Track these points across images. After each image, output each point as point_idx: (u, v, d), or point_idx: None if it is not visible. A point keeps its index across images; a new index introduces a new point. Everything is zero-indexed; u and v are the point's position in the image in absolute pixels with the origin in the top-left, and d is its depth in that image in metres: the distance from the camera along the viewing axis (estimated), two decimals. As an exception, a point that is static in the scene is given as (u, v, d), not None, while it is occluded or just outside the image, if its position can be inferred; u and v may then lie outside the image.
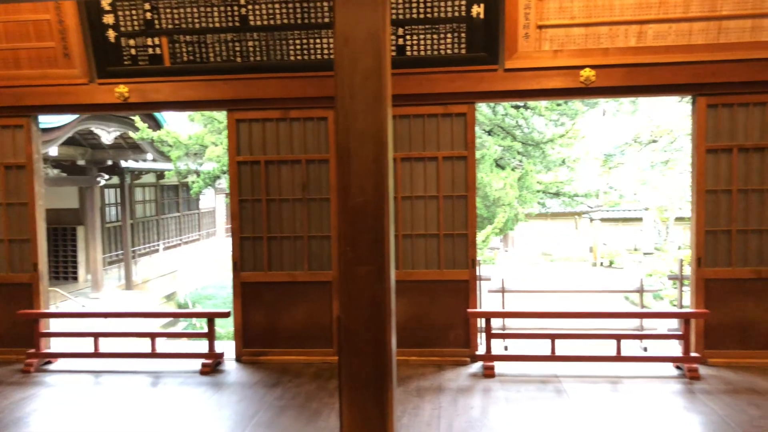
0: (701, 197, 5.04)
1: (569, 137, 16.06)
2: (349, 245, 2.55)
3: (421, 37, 4.94)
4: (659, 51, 4.82)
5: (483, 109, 15.12)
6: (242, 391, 4.67)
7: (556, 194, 17.35)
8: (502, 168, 15.13)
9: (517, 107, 15.05)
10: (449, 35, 4.91)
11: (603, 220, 22.97)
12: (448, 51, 4.95)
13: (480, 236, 12.93)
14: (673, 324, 6.18)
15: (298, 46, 5.00)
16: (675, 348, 5.21)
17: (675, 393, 4.46)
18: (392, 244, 2.63)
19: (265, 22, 4.98)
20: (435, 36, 4.93)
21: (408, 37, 4.96)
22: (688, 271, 5.41)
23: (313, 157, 5.25)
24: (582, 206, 21.25)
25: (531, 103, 14.88)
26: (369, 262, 2.56)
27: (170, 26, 5.06)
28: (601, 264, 21.08)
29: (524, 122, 15.41)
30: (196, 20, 5.02)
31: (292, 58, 5.04)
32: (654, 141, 16.22)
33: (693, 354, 4.88)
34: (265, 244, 5.32)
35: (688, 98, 5.06)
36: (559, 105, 15.05)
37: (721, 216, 5.04)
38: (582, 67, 4.90)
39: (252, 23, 5.00)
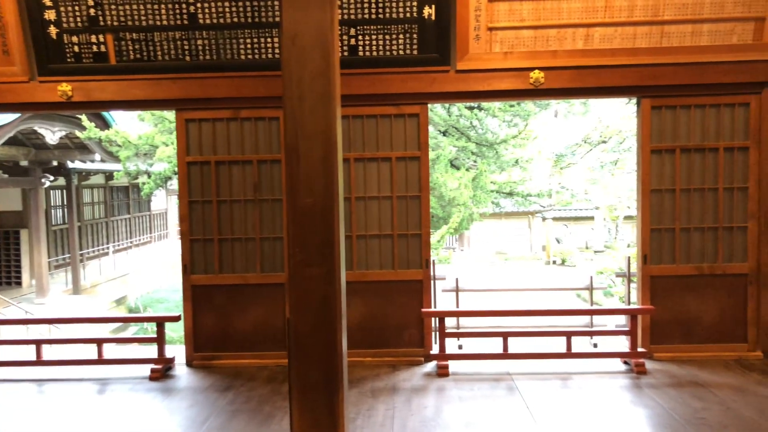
0: (646, 196, 5.18)
1: (522, 138, 16.33)
2: (298, 247, 2.53)
3: (374, 37, 4.93)
4: (605, 54, 4.93)
5: (438, 110, 15.23)
6: (193, 396, 4.57)
7: (510, 194, 17.62)
8: (457, 168, 15.28)
9: (471, 108, 15.22)
10: (401, 36, 4.92)
11: (555, 219, 23.45)
12: (401, 52, 4.96)
13: (435, 236, 13.02)
14: (622, 320, 6.35)
15: (249, 45, 4.93)
16: (623, 344, 5.34)
17: (623, 388, 4.57)
18: (342, 245, 2.61)
19: (215, 21, 4.89)
20: (387, 36, 4.93)
21: (360, 37, 4.95)
22: (635, 268, 5.55)
23: (264, 158, 5.18)
24: (535, 206, 21.66)
25: (484, 104, 15.07)
26: (318, 264, 2.54)
27: (115, 23, 4.92)
28: (554, 262, 21.50)
29: (478, 123, 15.60)
30: (142, 17, 4.89)
31: (242, 57, 4.97)
32: (603, 142, 16.65)
33: (640, 349, 5.02)
34: (216, 246, 5.22)
35: (634, 100, 5.19)
36: (511, 106, 15.28)
37: (665, 215, 5.20)
38: (531, 69, 4.98)
39: (201, 21, 4.90)
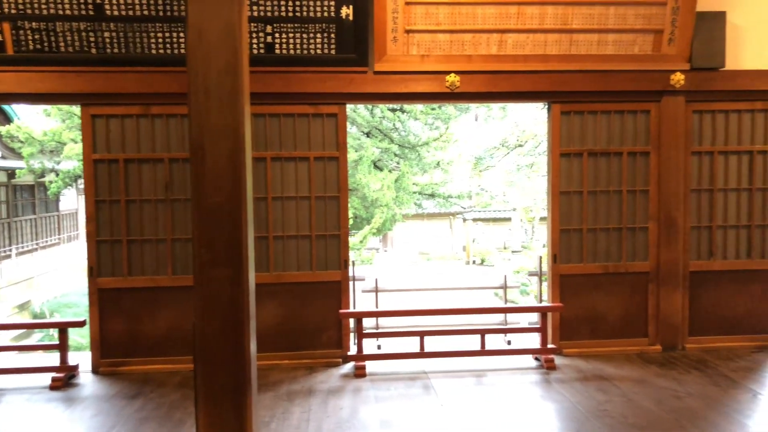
0: (556, 198, 5.38)
1: (443, 141, 16.63)
2: (204, 247, 2.45)
3: (291, 35, 4.87)
4: (518, 59, 5.09)
5: (361, 111, 15.28)
6: (98, 405, 4.35)
7: (432, 195, 17.90)
8: (380, 169, 15.38)
9: (393, 110, 15.35)
10: (319, 35, 4.88)
11: (475, 220, 24.01)
12: (318, 51, 4.92)
13: (357, 237, 13.06)
14: (535, 318, 6.56)
15: (160, 40, 4.76)
16: (535, 340, 5.52)
17: (533, 383, 4.72)
18: (251, 245, 2.56)
19: (123, 13, 4.69)
20: (305, 35, 4.88)
21: (277, 35, 4.88)
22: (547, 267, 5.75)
23: (176, 156, 5.01)
24: (456, 207, 22.08)
25: (407, 107, 15.24)
26: (226, 265, 2.47)
27: (13, 11, 4.62)
28: (474, 262, 22.01)
29: (401, 125, 15.75)
30: (43, 6, 4.62)
31: (153, 51, 4.78)
32: (520, 145, 17.21)
33: (550, 345, 5.20)
34: (125, 248, 5.00)
35: (545, 105, 5.37)
36: (433, 109, 15.53)
37: (574, 216, 5.42)
38: (448, 73, 5.06)
39: (108, 13, 4.68)
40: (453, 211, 22.95)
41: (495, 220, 24.25)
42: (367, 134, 15.26)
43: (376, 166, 15.21)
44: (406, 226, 21.31)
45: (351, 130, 15.04)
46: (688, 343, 5.48)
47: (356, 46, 4.94)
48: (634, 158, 5.40)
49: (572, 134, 5.36)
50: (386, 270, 18.66)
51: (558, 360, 5.19)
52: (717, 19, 5.14)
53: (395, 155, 15.75)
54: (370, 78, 5.04)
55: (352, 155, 13.69)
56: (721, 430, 3.80)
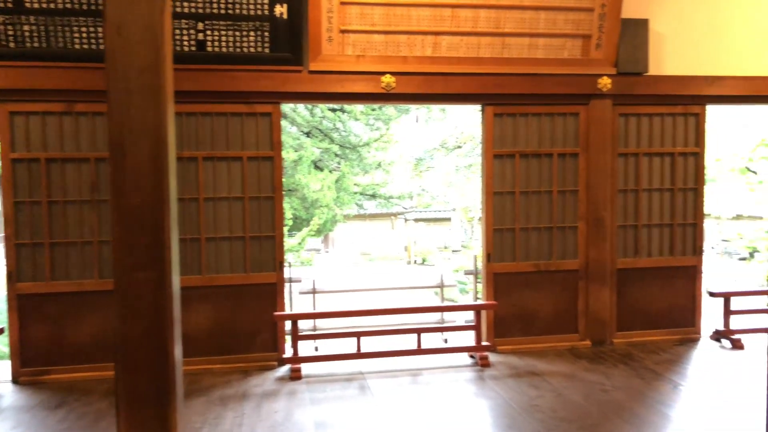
0: (489, 198, 5.48)
1: (384, 141, 16.70)
2: (125, 250, 2.37)
3: (223, 32, 4.78)
4: (453, 62, 5.15)
5: (301, 111, 15.16)
6: (17, 417, 4.15)
7: (373, 196, 17.95)
8: (321, 170, 15.31)
9: (334, 110, 15.31)
10: (252, 33, 4.81)
11: (416, 220, 24.22)
12: (252, 49, 4.84)
13: (296, 238, 12.94)
14: (471, 316, 6.66)
15: (84, 34, 4.57)
16: (471, 338, 5.60)
17: (468, 381, 4.79)
18: (176, 247, 2.49)
19: (44, 6, 4.49)
20: (237, 33, 4.79)
21: (209, 32, 4.77)
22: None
23: (104, 156, 4.82)
24: (397, 207, 22.22)
25: (347, 107, 15.23)
26: (148, 268, 2.39)
27: None
28: (415, 262, 22.20)
29: (342, 125, 15.73)
30: (-44, -4, 4.37)
31: (77, 46, 4.59)
32: (459, 147, 17.46)
33: (484, 343, 5.29)
34: (47, 251, 4.78)
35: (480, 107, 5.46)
36: (373, 110, 15.58)
37: (507, 216, 5.53)
38: (383, 73, 5.08)
39: (28, 6, 4.47)
40: (394, 211, 23.08)
41: (436, 220, 24.53)
42: (308, 134, 15.17)
43: (317, 166, 15.14)
44: (348, 226, 21.27)
45: (291, 129, 14.91)
46: (615, 337, 5.67)
47: (291, 45, 4.89)
48: (564, 160, 5.56)
49: (505, 136, 5.47)
50: (327, 271, 18.57)
51: (492, 357, 5.29)
52: (640, 26, 5.35)
53: (336, 155, 15.72)
54: (306, 77, 4.99)
55: (291, 155, 13.56)
56: (644, 421, 3.95)
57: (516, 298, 5.55)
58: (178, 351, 2.54)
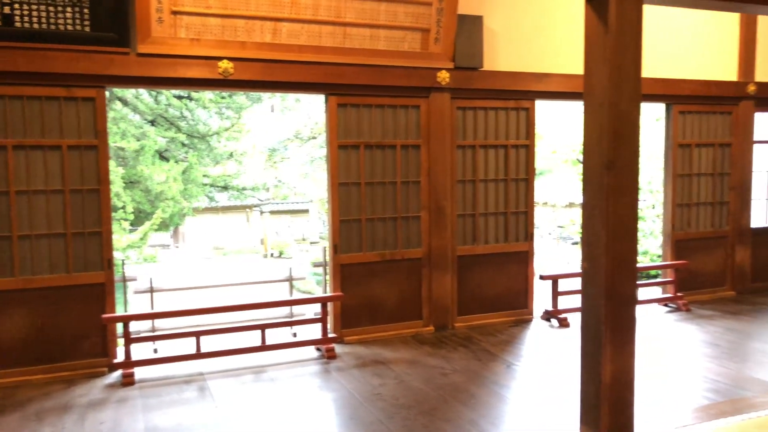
0: (335, 189, 5.45)
1: (236, 131, 16.18)
2: None
3: (34, 7, 4.28)
4: (293, 49, 5.03)
5: (144, 98, 14.24)
6: None
7: (225, 188, 17.37)
8: (166, 160, 14.50)
9: (180, 97, 14.57)
10: (69, 9, 4.36)
11: (273, 212, 23.80)
12: (69, 27, 4.39)
13: (138, 233, 12.15)
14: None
15: None
16: (319, 331, 5.55)
17: (313, 374, 4.73)
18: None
19: None
20: (51, 8, 4.32)
21: (17, 6, 4.26)
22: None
23: None
24: (252, 199, 21.70)
25: (195, 95, 14.57)
26: None
27: None
28: (272, 255, 21.83)
29: (189, 114, 15.00)
30: None
31: None
32: (314, 137, 17.39)
33: (331, 335, 5.26)
34: None
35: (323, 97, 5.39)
36: (223, 98, 15.04)
37: (353, 206, 5.53)
38: (220, 59, 4.84)
39: None
40: (249, 203, 22.50)
41: (293, 212, 24.27)
42: (152, 122, 14.29)
43: (162, 156, 14.32)
44: (199, 220, 20.41)
45: (133, 117, 13.97)
46: (457, 322, 5.91)
47: (116, 25, 4.51)
48: (407, 151, 5.66)
49: (349, 126, 5.46)
50: (176, 267, 17.68)
51: (339, 348, 5.28)
52: (475, 22, 5.57)
53: (183, 145, 14.98)
54: (134, 60, 4.63)
55: (133, 144, 12.71)
56: (479, 401, 4.13)
57: (363, 288, 5.58)
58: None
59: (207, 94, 14.49)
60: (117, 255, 12.11)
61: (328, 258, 5.74)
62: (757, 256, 7.27)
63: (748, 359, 4.95)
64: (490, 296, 6.05)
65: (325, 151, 5.68)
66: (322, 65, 5.16)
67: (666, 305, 6.66)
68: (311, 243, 23.39)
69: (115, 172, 11.71)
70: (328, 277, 5.84)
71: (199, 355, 4.80)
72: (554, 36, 6.06)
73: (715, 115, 6.95)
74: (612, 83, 3.07)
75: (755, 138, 7.14)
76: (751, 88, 6.93)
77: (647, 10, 3.16)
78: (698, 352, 5.11)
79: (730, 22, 6.87)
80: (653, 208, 10.66)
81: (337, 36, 5.12)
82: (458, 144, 5.82)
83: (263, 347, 4.99)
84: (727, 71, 6.92)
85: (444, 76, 5.55)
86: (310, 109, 17.05)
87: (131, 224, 12.78)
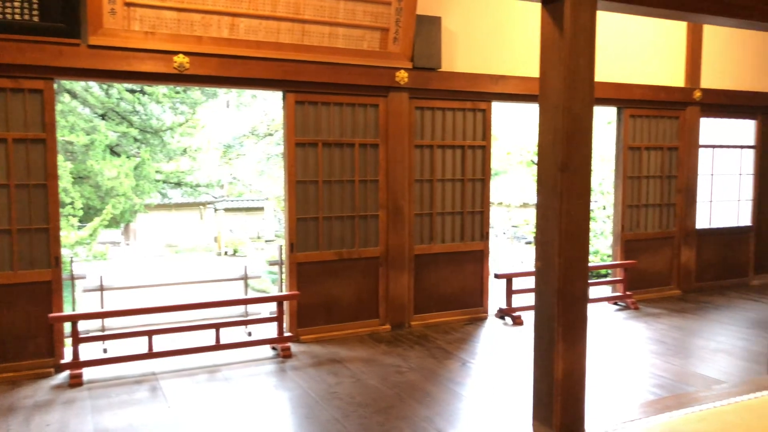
0: (292, 187, 5.41)
1: (190, 126, 15.89)
2: None
3: (-22, -6, 4.11)
4: (251, 45, 4.97)
5: (95, 91, 13.83)
6: None
7: (178, 184, 17.03)
8: (118, 155, 14.13)
9: (133, 91, 14.21)
10: (16, -3, 4.20)
11: (227, 210, 23.46)
12: (16, 16, 4.23)
13: (87, 229, 11.81)
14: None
15: None
16: (274, 330, 5.51)
17: (268, 373, 4.69)
18: None
19: None
20: (-3, -4, 4.15)
21: (-40, -9, 4.08)
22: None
23: None
24: (206, 196, 21.35)
25: (148, 89, 14.24)
26: None
27: None
28: (226, 253, 21.53)
29: (142, 108, 14.64)
30: None
31: None
32: (270, 134, 17.19)
33: (287, 334, 5.23)
34: None
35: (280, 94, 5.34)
36: (177, 93, 14.74)
37: (310, 204, 5.50)
38: (176, 53, 4.75)
39: None
40: (203, 200, 22.13)
41: (248, 209, 23.98)
42: (102, 116, 13.89)
43: (113, 151, 13.94)
44: (151, 217, 19.98)
45: (83, 110, 13.55)
46: (413, 320, 5.95)
47: (66, 15, 4.37)
48: (366, 150, 5.67)
49: (307, 124, 5.43)
50: (126, 265, 17.28)
51: (295, 347, 5.25)
52: (434, 23, 5.61)
53: (135, 140, 14.60)
54: (85, 52, 4.49)
55: (83, 139, 12.34)
56: (435, 399, 4.17)
57: (320, 287, 5.56)
58: None
59: (161, 89, 14.17)
60: (65, 252, 11.76)
61: (284, 256, 5.68)
62: (702, 256, 7.55)
63: (692, 355, 5.14)
64: (446, 295, 6.12)
65: (281, 149, 5.64)
66: (281, 62, 5.12)
67: (616, 303, 6.86)
68: (266, 241, 23.15)
69: (64, 167, 11.33)
70: (283, 275, 5.79)
71: (151, 355, 4.70)
72: (511, 39, 6.16)
73: (663, 120, 7.19)
74: (566, 86, 3.14)
75: (701, 142, 7.42)
76: (697, 94, 7.19)
77: (600, 15, 3.25)
78: (645, 349, 5.28)
79: (677, 30, 7.12)
80: (604, 209, 10.95)
81: (295, 33, 5.08)
82: (416, 144, 5.85)
83: (217, 346, 4.91)
84: (675, 77, 7.17)
85: (402, 76, 5.57)
86: (267, 106, 16.85)
87: (80, 221, 12.40)
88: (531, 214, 20.22)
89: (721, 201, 7.78)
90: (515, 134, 16.97)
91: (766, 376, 4.41)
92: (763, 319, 6.20)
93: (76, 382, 4.39)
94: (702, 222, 7.63)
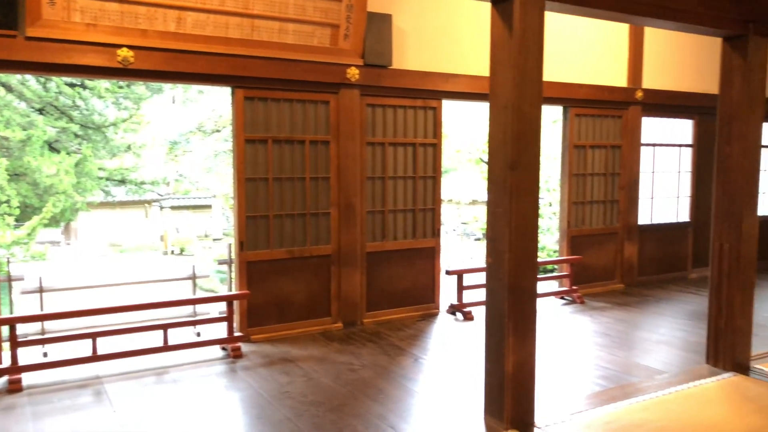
0: (241, 185, 5.32)
1: (134, 122, 15.43)
2: None
3: None
4: (199, 40, 4.86)
5: (32, 84, 13.26)
6: None
7: (122, 182, 16.52)
8: (57, 152, 13.59)
9: (73, 85, 13.70)
10: (-54, -16, 3.98)
11: (174, 207, 22.92)
12: (-54, 4, 4.02)
13: (25, 229, 11.33)
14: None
15: None
16: (224, 330, 5.41)
17: (218, 374, 4.61)
18: None
19: None
20: (-75, -18, 3.93)
21: None
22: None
23: None
24: (152, 194, 20.79)
25: (89, 83, 13.76)
26: None
27: None
28: (173, 252, 21.03)
29: (83, 103, 14.13)
30: None
31: None
32: (218, 131, 16.86)
33: (237, 334, 5.14)
34: None
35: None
36: (121, 87, 14.29)
37: (260, 202, 5.43)
38: (120, 46, 4.60)
39: None
40: (148, 198, 21.56)
41: (195, 207, 23.50)
42: (40, 111, 13.33)
43: (52, 147, 13.39)
44: (94, 215, 19.32)
45: (19, 105, 12.97)
46: (365, 318, 5.95)
47: (2, 5, 4.19)
48: (317, 147, 5.63)
49: (257, 121, 5.35)
50: (67, 265, 16.67)
51: (246, 347, 5.18)
52: (384, 20, 5.62)
53: (76, 136, 14.07)
54: (22, 44, 4.30)
55: (19, 134, 11.81)
56: (388, 395, 4.18)
57: (271, 286, 5.50)
58: None
59: (103, 83, 13.71)
60: (1, 252, 11.25)
61: (233, 255, 5.59)
62: (643, 251, 7.82)
63: (635, 347, 5.32)
64: (399, 292, 6.14)
65: (230, 145, 5.54)
66: (229, 57, 5.03)
67: (562, 298, 7.03)
68: (214, 240, 22.75)
69: (-2, 164, 10.85)
70: (233, 274, 5.69)
71: (95, 358, 4.55)
72: (462, 38, 6.22)
73: (607, 119, 7.40)
74: (516, 86, 3.20)
75: (642, 141, 7.68)
76: (639, 94, 7.44)
77: (546, 16, 3.32)
78: (591, 342, 5.44)
79: (620, 31, 7.34)
80: (550, 205, 11.22)
81: (244, 28, 5.00)
82: (368, 141, 5.85)
83: (165, 348, 4.80)
84: (618, 77, 7.40)
85: (353, 73, 5.56)
86: (215, 102, 16.51)
87: (17, 219, 11.87)
88: (480, 211, 20.53)
89: (662, 198, 8.08)
90: (464, 132, 17.17)
91: (704, 366, 4.60)
92: (700, 311, 6.46)
93: (15, 387, 4.21)
94: (644, 218, 7.90)
